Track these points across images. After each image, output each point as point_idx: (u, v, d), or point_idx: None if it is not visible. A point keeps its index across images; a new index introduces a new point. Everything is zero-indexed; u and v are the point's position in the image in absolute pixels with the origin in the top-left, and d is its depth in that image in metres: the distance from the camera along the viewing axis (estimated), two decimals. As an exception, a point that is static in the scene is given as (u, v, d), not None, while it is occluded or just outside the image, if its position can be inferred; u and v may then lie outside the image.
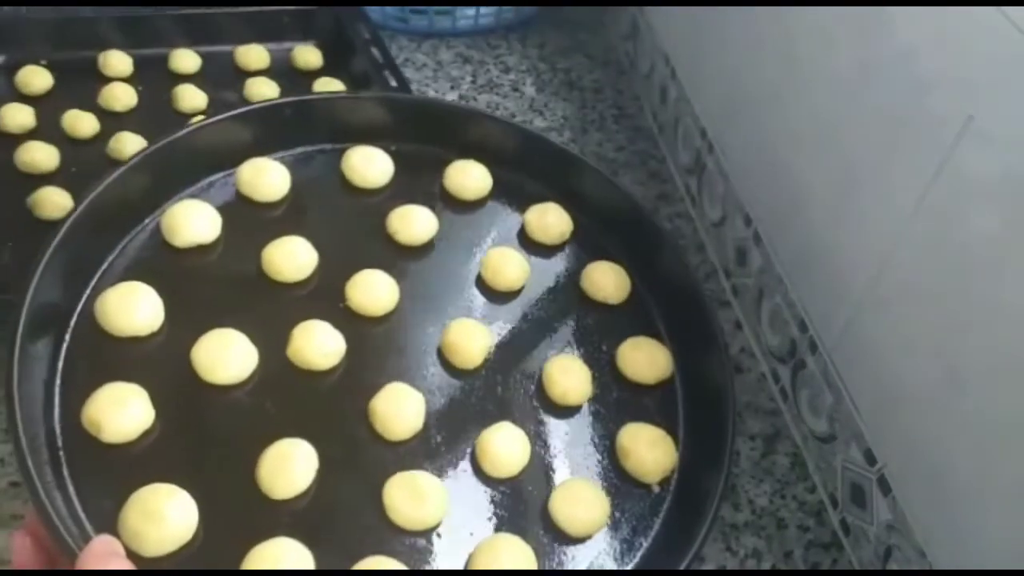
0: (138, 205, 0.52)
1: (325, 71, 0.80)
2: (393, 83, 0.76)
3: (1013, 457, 0.41)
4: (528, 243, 0.57)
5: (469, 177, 0.58)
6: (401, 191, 0.58)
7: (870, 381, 0.53)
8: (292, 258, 0.51)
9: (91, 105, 0.71)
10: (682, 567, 0.42)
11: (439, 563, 0.43)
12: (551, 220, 0.57)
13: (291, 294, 0.51)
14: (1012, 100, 0.39)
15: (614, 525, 0.46)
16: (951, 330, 0.45)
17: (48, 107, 0.70)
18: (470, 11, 0.90)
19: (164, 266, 0.50)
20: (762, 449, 0.61)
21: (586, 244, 0.57)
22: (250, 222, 0.54)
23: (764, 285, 0.64)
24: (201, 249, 0.51)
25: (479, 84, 0.88)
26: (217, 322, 0.47)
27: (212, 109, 0.72)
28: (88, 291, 0.48)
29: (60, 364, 0.45)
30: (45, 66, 0.73)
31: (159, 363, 0.46)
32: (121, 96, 0.71)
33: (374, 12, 0.88)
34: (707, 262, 0.72)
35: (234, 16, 0.80)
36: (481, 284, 0.55)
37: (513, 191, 0.59)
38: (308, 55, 0.80)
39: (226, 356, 0.46)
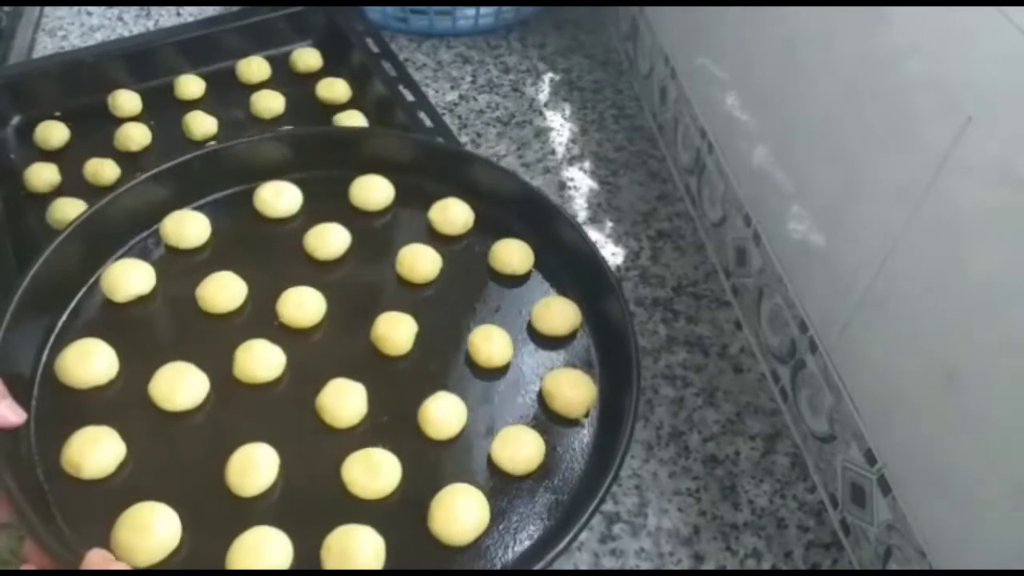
0: (77, 271, 0.57)
1: (326, 71, 0.80)
2: (392, 72, 0.77)
3: (1013, 457, 0.41)
4: (436, 237, 0.63)
5: (372, 190, 0.64)
6: (313, 214, 0.63)
7: (870, 381, 0.53)
8: (224, 291, 0.57)
9: (109, 150, 0.72)
10: (611, 475, 0.48)
11: (402, 522, 0.48)
12: (453, 213, 0.63)
13: (229, 323, 0.57)
14: (1012, 100, 0.39)
15: (551, 458, 0.52)
16: (951, 330, 0.45)
17: (69, 159, 0.71)
18: (470, 11, 0.90)
19: (110, 320, 0.56)
20: (762, 449, 0.61)
21: (488, 228, 0.63)
22: (180, 268, 0.59)
23: (764, 285, 0.64)
24: (141, 300, 0.57)
25: (479, 84, 0.88)
26: (167, 359, 0.53)
27: (223, 132, 0.75)
28: (46, 354, 0.53)
29: (32, 422, 0.49)
30: (59, 118, 0.73)
31: (122, 404, 0.52)
32: (136, 136, 0.73)
33: (374, 12, 0.88)
34: (707, 262, 0.72)
35: (231, 31, 0.81)
36: (400, 280, 0.60)
37: (415, 194, 0.65)
38: (307, 57, 0.80)
39: (180, 385, 0.52)
